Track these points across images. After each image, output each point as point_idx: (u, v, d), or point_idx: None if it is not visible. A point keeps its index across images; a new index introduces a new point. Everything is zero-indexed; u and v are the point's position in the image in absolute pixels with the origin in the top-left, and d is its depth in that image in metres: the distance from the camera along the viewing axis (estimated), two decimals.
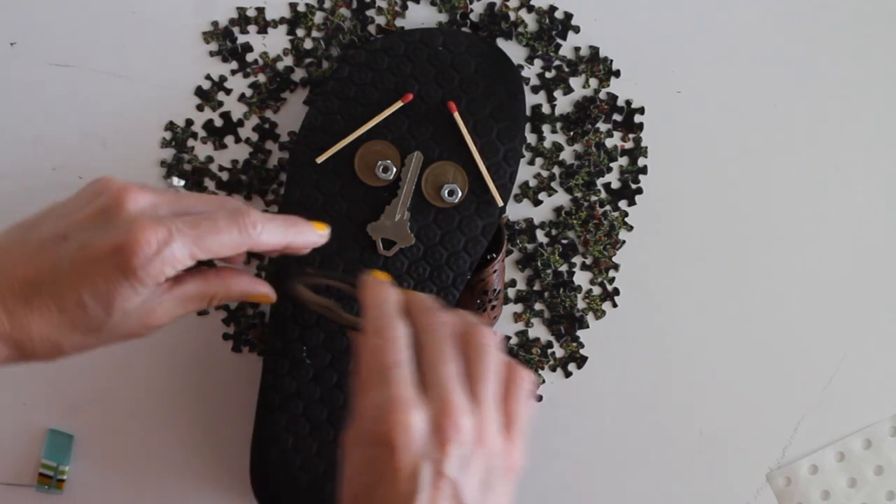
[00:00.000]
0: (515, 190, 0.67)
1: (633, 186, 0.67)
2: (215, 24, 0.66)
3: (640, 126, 0.67)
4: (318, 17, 0.66)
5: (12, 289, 0.48)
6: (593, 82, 0.67)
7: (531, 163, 0.67)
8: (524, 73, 0.67)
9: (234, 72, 0.67)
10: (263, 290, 0.56)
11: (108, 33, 0.66)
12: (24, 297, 0.48)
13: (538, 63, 0.67)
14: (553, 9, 0.67)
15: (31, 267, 0.49)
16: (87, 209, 0.50)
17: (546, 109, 0.67)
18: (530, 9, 0.67)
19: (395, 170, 0.62)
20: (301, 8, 0.66)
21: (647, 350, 0.68)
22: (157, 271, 0.48)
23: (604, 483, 0.69)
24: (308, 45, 0.66)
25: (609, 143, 0.67)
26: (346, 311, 0.56)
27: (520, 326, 0.68)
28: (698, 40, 0.67)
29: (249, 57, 0.66)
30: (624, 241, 0.67)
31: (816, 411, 0.68)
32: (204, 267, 0.53)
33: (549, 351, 0.68)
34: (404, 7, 0.66)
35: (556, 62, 0.67)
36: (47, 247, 0.49)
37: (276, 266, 0.62)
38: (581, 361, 0.68)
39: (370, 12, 0.66)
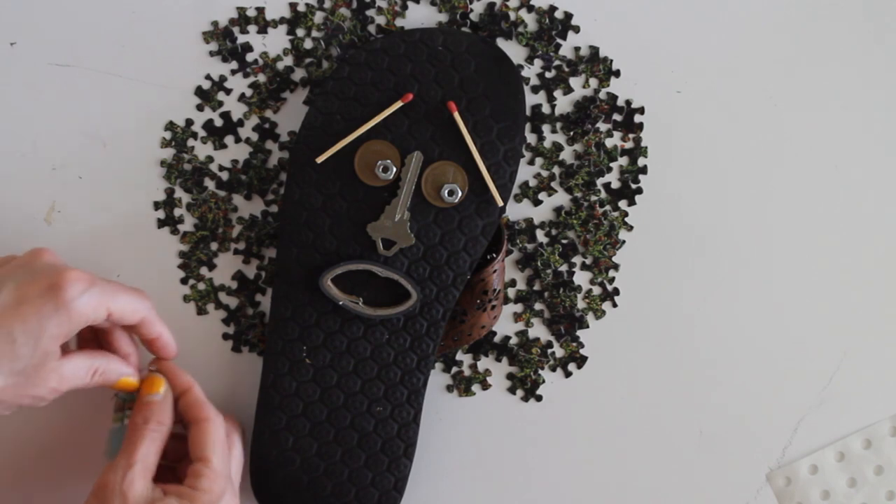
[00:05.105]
0: (515, 190, 0.67)
1: (633, 186, 0.67)
2: (215, 24, 0.66)
3: (640, 126, 0.67)
4: (318, 17, 0.66)
5: None
6: (593, 82, 0.67)
7: (531, 163, 0.67)
8: (524, 73, 0.67)
9: (234, 72, 0.67)
10: (128, 373, 0.60)
11: (108, 33, 0.66)
12: None
13: (538, 63, 0.67)
14: (553, 9, 0.67)
15: None
16: (15, 262, 0.57)
17: (546, 109, 0.67)
18: (530, 9, 0.67)
19: (395, 170, 0.62)
20: (301, 8, 0.66)
21: (647, 350, 0.68)
22: (83, 309, 0.55)
23: (604, 483, 0.69)
24: (308, 45, 0.66)
25: (609, 143, 0.67)
26: (369, 306, 0.62)
27: (520, 326, 0.68)
28: (698, 40, 0.67)
29: (249, 57, 0.66)
30: (624, 241, 0.67)
31: (816, 411, 0.68)
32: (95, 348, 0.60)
33: (549, 351, 0.68)
34: (404, 7, 0.66)
35: (556, 62, 0.67)
36: None
37: (275, 266, 0.62)
38: (581, 361, 0.68)
39: (370, 12, 0.66)
